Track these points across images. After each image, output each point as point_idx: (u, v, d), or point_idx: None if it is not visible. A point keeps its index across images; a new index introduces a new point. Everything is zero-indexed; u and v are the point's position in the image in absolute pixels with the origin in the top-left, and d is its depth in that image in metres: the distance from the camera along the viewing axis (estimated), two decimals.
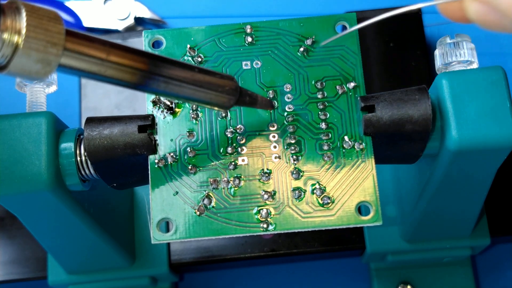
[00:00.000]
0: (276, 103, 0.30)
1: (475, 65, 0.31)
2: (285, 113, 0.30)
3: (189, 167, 0.29)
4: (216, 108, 0.27)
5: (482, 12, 0.21)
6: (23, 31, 0.20)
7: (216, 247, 0.43)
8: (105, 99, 0.48)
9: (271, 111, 0.29)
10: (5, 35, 0.20)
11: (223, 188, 0.28)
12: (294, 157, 0.29)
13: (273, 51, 0.31)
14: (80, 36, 0.22)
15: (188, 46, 0.31)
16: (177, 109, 0.30)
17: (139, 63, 0.23)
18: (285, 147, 0.29)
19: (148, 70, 0.24)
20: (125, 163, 0.29)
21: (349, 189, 0.28)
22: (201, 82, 0.25)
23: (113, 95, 0.48)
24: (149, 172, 0.29)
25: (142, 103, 0.48)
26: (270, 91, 0.30)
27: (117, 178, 0.31)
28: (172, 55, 0.31)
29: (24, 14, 0.20)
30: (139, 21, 0.52)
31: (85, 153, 0.30)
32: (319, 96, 0.30)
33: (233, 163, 0.29)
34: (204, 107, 0.29)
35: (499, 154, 0.29)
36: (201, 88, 0.25)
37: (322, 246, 0.43)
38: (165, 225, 0.28)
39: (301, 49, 0.30)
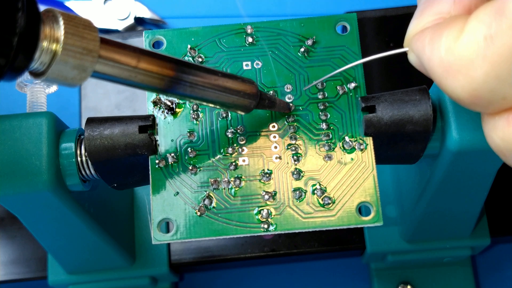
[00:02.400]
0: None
1: None
2: (286, 114, 0.29)
3: (190, 168, 0.29)
4: (237, 111, 0.28)
5: (417, 63, 0.23)
6: (62, 38, 0.21)
7: (216, 247, 0.43)
8: (105, 99, 0.48)
9: (271, 112, 0.29)
10: (44, 43, 0.20)
11: (224, 189, 0.28)
12: (295, 157, 0.29)
13: (273, 51, 0.31)
14: (113, 43, 0.22)
15: (189, 46, 0.31)
16: (177, 110, 0.30)
17: (167, 69, 0.24)
18: (286, 148, 0.29)
19: (175, 76, 0.24)
20: (126, 163, 0.29)
21: (350, 189, 0.28)
22: (224, 86, 0.26)
23: (113, 95, 0.48)
24: (150, 172, 0.29)
25: (142, 103, 0.48)
26: (271, 92, 0.30)
27: (118, 178, 0.31)
28: (172, 55, 0.31)
29: (61, 22, 0.21)
30: (139, 21, 0.52)
31: (86, 154, 0.30)
32: (320, 96, 0.30)
33: (233, 164, 0.29)
34: (226, 110, 0.29)
35: None
36: (224, 92, 0.26)
37: (322, 246, 0.43)
38: (166, 226, 0.28)
39: (302, 49, 0.30)
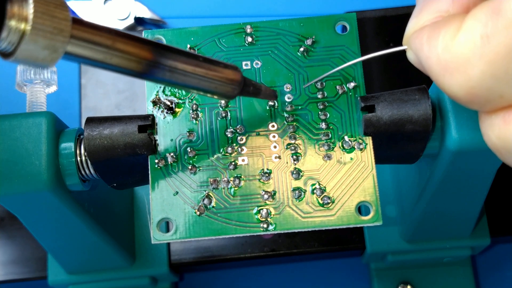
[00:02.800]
0: (276, 102, 0.30)
1: None
2: (285, 113, 0.30)
3: (189, 167, 0.29)
4: (220, 98, 0.27)
5: (416, 61, 0.23)
6: (30, 17, 0.20)
7: (216, 247, 0.43)
8: (105, 99, 0.48)
9: (271, 111, 0.30)
10: (12, 22, 0.20)
11: (223, 188, 0.28)
12: (294, 157, 0.29)
13: (273, 51, 0.31)
14: (86, 24, 0.22)
15: (188, 46, 0.31)
16: (177, 109, 0.30)
17: (144, 51, 0.23)
18: (285, 147, 0.29)
19: (153, 59, 0.24)
20: (125, 163, 0.29)
21: (349, 189, 0.28)
22: (206, 71, 0.25)
23: (113, 95, 0.48)
24: (149, 172, 0.29)
25: (142, 103, 0.48)
26: None
27: (117, 178, 0.31)
28: None
29: (31, 0, 0.20)
30: (139, 21, 0.52)
31: (85, 153, 0.30)
32: (319, 96, 0.30)
33: (233, 163, 0.29)
34: (209, 96, 0.29)
35: None
36: (205, 77, 0.25)
37: (322, 246, 0.43)
38: (165, 225, 0.28)
39: (301, 49, 0.30)
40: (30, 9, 0.20)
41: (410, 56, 0.24)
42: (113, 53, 0.22)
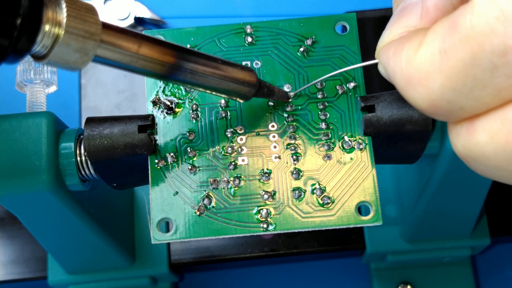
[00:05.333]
0: (276, 102, 0.30)
1: None
2: (285, 113, 0.30)
3: (189, 167, 0.29)
4: (237, 99, 0.28)
5: (385, 75, 0.23)
6: (64, 21, 0.21)
7: (216, 247, 0.43)
8: (105, 99, 0.48)
9: (271, 111, 0.30)
10: (47, 27, 0.21)
11: (223, 188, 0.28)
12: (294, 157, 0.29)
13: (273, 51, 0.31)
14: (115, 28, 0.23)
15: (188, 46, 0.31)
16: (177, 109, 0.30)
17: (167, 55, 0.24)
18: (285, 147, 0.29)
19: (176, 62, 0.25)
20: (125, 163, 0.29)
21: (349, 189, 0.28)
22: (224, 73, 0.26)
23: (113, 95, 0.48)
24: (149, 172, 0.29)
25: (142, 103, 0.48)
26: None
27: (117, 178, 0.31)
28: None
29: (64, 5, 0.21)
30: (139, 21, 0.52)
31: (85, 153, 0.30)
32: (319, 96, 0.30)
33: (233, 163, 0.29)
34: (226, 97, 0.29)
35: None
36: (224, 80, 0.26)
37: (322, 246, 0.43)
38: (165, 225, 0.28)
39: (301, 49, 0.30)
40: (63, 14, 0.21)
41: (381, 69, 0.24)
42: (139, 56, 0.23)
